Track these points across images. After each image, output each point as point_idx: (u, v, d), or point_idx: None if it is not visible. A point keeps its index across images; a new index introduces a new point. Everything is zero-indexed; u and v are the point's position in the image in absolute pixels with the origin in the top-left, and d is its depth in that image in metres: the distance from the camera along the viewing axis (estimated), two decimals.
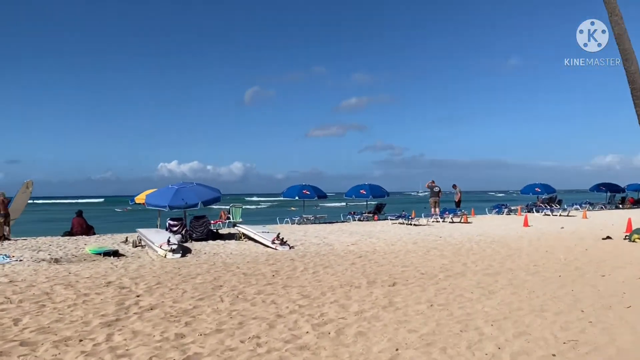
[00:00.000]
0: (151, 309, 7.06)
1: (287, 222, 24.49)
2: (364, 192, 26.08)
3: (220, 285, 8.81)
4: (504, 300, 7.33)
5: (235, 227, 17.96)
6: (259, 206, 70.19)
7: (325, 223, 24.57)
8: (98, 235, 18.35)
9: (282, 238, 14.76)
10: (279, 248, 14.27)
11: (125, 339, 5.53)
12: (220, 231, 19.06)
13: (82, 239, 16.99)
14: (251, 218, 34.88)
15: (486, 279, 9.14)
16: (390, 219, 23.79)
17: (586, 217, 24.58)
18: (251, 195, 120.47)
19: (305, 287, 8.60)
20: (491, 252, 13.09)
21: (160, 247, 13.27)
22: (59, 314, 6.76)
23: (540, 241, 15.35)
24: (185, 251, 13.76)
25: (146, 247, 14.38)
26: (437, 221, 23.71)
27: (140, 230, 15.51)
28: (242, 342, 5.39)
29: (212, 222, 21.69)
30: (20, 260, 12.07)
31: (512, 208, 29.25)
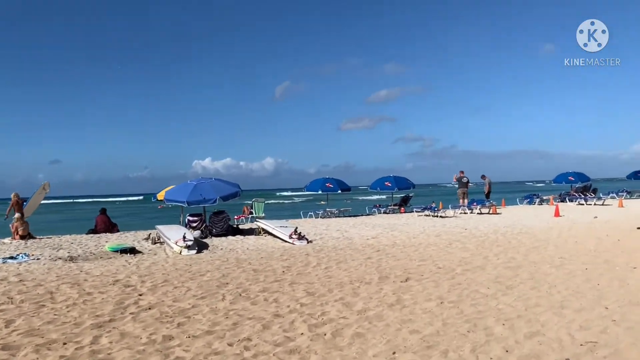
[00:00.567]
0: (149, 309, 6.83)
1: (311, 216, 24.19)
2: (389, 184, 25.54)
3: (227, 283, 8.55)
4: (522, 296, 6.82)
5: (255, 222, 17.73)
6: (290, 201, 70.21)
7: (350, 216, 24.18)
8: (121, 233, 18.39)
9: (300, 232, 14.44)
10: (296, 243, 13.96)
11: (111, 342, 5.29)
12: (242, 226, 18.92)
13: (104, 237, 17.04)
14: (278, 213, 34.81)
15: (506, 273, 8.61)
16: (416, 211, 23.22)
17: (622, 206, 23.49)
18: (284, 190, 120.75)
19: (313, 283, 8.25)
20: (516, 243, 12.49)
21: (176, 243, 13.12)
22: (55, 314, 6.59)
23: (571, 231, 14.62)
24: (201, 247, 13.59)
25: (164, 244, 14.27)
26: (464, 212, 23.03)
27: (159, 227, 15.43)
28: (230, 345, 5.07)
29: (235, 217, 21.71)
30: (38, 259, 12.09)
31: (544, 198, 28.21)
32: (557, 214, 20.01)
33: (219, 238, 15.67)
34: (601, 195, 27.67)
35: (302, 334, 5.39)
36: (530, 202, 28.38)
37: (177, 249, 12.98)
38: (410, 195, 26.86)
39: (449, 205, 24.39)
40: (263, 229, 16.14)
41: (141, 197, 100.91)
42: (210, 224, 16.41)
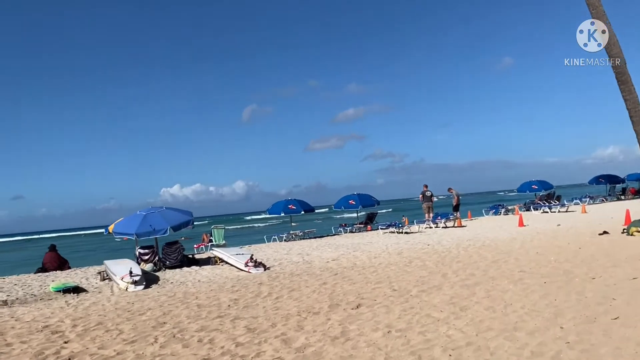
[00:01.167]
0: (69, 359, 6.12)
1: (274, 240, 23.52)
2: (353, 203, 25.09)
3: (164, 322, 7.87)
4: (475, 319, 6.36)
5: (210, 251, 17.00)
6: (262, 224, 69.12)
7: (315, 237, 23.60)
8: (73, 269, 17.39)
9: (255, 260, 13.81)
10: (252, 271, 13.32)
11: None
12: (200, 255, 18.15)
13: (53, 275, 16.05)
14: (247, 238, 34.03)
15: (462, 292, 8.17)
16: (381, 228, 22.82)
17: (585, 212, 23.55)
18: (256, 213, 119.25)
19: (257, 318, 7.65)
20: (477, 258, 12.12)
21: (122, 279, 12.35)
22: None
23: (533, 242, 14.36)
24: (150, 282, 12.83)
25: (112, 281, 13.45)
26: (430, 227, 22.72)
27: (106, 262, 14.57)
28: None
29: (195, 245, 20.90)
30: None
31: (509, 208, 28.21)
32: (520, 224, 19.85)
33: (172, 270, 14.90)
34: (565, 202, 27.79)
35: None
36: (496, 213, 28.32)
37: (123, 285, 12.20)
38: (375, 212, 26.47)
39: (414, 221, 24.06)
40: (219, 258, 15.44)
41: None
42: (164, 256, 15.62)
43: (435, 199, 25.79)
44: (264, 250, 18.45)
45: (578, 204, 28.14)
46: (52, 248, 18.41)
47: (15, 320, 9.13)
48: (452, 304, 7.40)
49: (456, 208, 24.75)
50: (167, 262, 15.47)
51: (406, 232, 21.12)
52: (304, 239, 23.46)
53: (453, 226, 22.55)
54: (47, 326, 8.34)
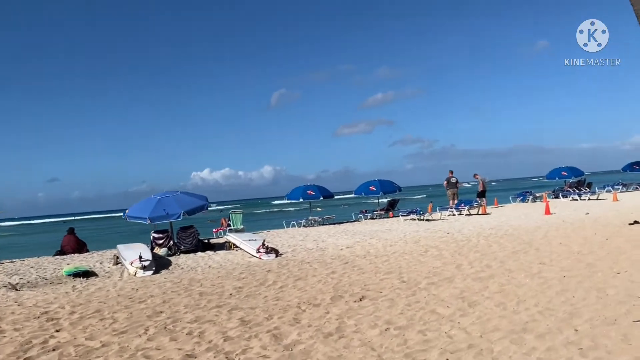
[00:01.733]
0: (53, 350, 5.89)
1: (293, 225, 23.23)
2: (374, 189, 24.54)
3: (161, 312, 7.60)
4: (482, 317, 5.87)
5: (225, 236, 16.77)
6: (290, 208, 68.98)
7: (334, 224, 23.21)
8: (91, 252, 17.41)
9: (267, 246, 13.49)
10: (263, 257, 13.02)
11: None
12: (218, 240, 17.96)
13: (69, 258, 16.08)
14: (268, 222, 33.88)
15: (474, 285, 7.67)
16: (402, 215, 22.27)
17: (617, 200, 22.50)
18: (283, 197, 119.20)
19: (255, 309, 7.30)
20: (497, 248, 11.54)
21: (131, 264, 12.20)
22: None
23: (558, 231, 13.66)
24: (160, 267, 12.66)
25: (123, 265, 13.33)
26: (452, 214, 22.06)
27: (119, 246, 14.49)
28: None
29: (214, 230, 20.76)
30: None
31: (537, 195, 27.24)
32: (547, 212, 19.05)
33: (186, 255, 14.73)
34: (596, 190, 26.68)
35: None
36: (523, 200, 27.42)
37: (132, 270, 12.06)
38: (397, 198, 25.89)
39: (437, 208, 23.42)
40: (233, 243, 15.19)
41: None
42: (178, 240, 15.46)
43: (462, 185, 25.05)
44: (281, 236, 18.16)
45: (610, 191, 26.97)
46: (71, 231, 18.47)
47: (18, 305, 9.01)
48: (462, 298, 6.91)
49: (481, 195, 23.99)
50: (182, 247, 15.30)
51: (427, 220, 20.53)
52: (323, 225, 23.11)
53: (477, 213, 21.86)
54: (45, 312, 8.17)
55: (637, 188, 29.18)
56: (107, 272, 12.64)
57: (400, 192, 25.81)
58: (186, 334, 6.18)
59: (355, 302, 7.22)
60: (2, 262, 15.86)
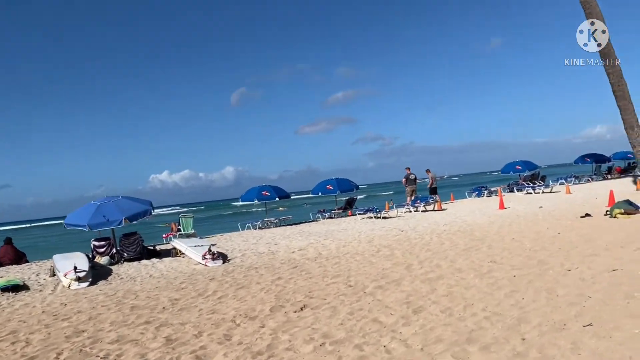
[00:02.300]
0: None
1: (248, 228, 22.53)
2: (331, 188, 24.08)
3: (83, 331, 6.89)
4: (426, 325, 5.43)
5: (171, 242, 15.97)
6: (249, 210, 67.93)
7: (291, 224, 22.64)
8: (30, 263, 16.32)
9: (214, 252, 12.82)
10: (209, 264, 12.35)
11: None
12: (167, 246, 17.13)
13: (4, 271, 14.98)
14: (228, 224, 32.97)
15: (422, 288, 7.25)
16: (359, 214, 21.90)
17: (569, 192, 22.73)
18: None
19: (186, 324, 6.69)
20: (449, 245, 11.23)
21: (65, 275, 11.35)
22: None
23: (511, 226, 13.49)
24: (99, 277, 11.85)
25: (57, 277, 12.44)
26: (409, 211, 21.82)
27: (55, 256, 13.53)
28: None
29: (163, 235, 19.85)
30: None
31: (493, 189, 27.35)
32: (501, 207, 19.00)
33: (130, 263, 13.91)
34: (550, 183, 26.98)
35: None
36: (479, 195, 27.47)
37: (66, 282, 11.23)
38: (355, 197, 25.52)
39: (393, 205, 23.16)
40: (179, 250, 14.45)
41: None
42: (121, 248, 14.60)
43: (420, 181, 24.87)
44: (234, 240, 17.50)
45: (563, 184, 27.32)
46: (8, 241, 17.28)
47: None
48: (407, 303, 6.47)
49: (434, 191, 23.90)
50: (125, 255, 14.46)
51: (384, 217, 20.21)
52: (279, 226, 22.51)
53: (433, 209, 21.68)
54: None
55: (588, 180, 29.72)
56: (40, 285, 11.72)
57: (358, 190, 25.47)
58: (101, 357, 5.52)
59: (295, 312, 6.69)
60: None
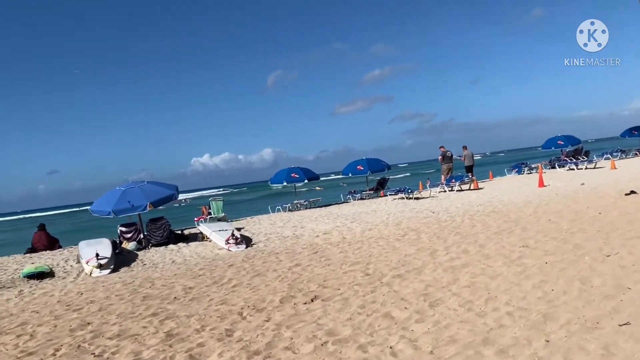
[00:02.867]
0: None
1: (278, 210, 22.28)
2: (361, 168, 23.52)
3: (89, 323, 6.69)
4: (441, 322, 4.92)
5: (198, 226, 15.81)
6: (285, 191, 67.97)
7: (320, 207, 22.25)
8: (62, 249, 16.53)
9: (237, 237, 12.55)
10: (232, 249, 12.11)
11: None
12: (192, 230, 17.04)
13: (37, 256, 15.20)
14: (259, 206, 32.94)
15: (444, 277, 6.72)
16: (390, 194, 21.29)
17: (614, 168, 21.44)
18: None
19: (192, 316, 6.38)
20: (480, 228, 10.59)
21: (87, 263, 11.31)
22: None
23: (549, 205, 12.68)
24: (123, 263, 11.80)
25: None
26: (444, 191, 21.06)
27: (81, 242, 13.57)
28: None
29: (195, 219, 19.77)
30: None
31: (533, 166, 26.18)
32: (540, 184, 18.04)
33: (157, 248, 13.82)
34: (594, 158, 25.61)
35: None
36: (519, 172, 26.35)
37: (87, 269, 11.19)
38: (387, 177, 24.87)
39: (428, 185, 22.43)
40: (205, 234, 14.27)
41: None
42: (149, 233, 14.52)
43: (457, 159, 23.98)
44: (261, 223, 17.25)
45: (608, 159, 25.86)
46: (41, 227, 17.53)
47: None
48: (425, 295, 5.96)
49: (469, 169, 22.99)
50: (153, 240, 14.39)
51: (416, 198, 19.54)
52: (309, 208, 22.16)
53: (469, 189, 20.86)
54: None
55: (636, 154, 28.06)
56: (65, 272, 11.73)
57: (391, 170, 24.81)
58: (96, 355, 5.25)
59: (305, 304, 6.29)
60: None
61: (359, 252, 9.54)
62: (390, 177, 26.63)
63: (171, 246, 13.95)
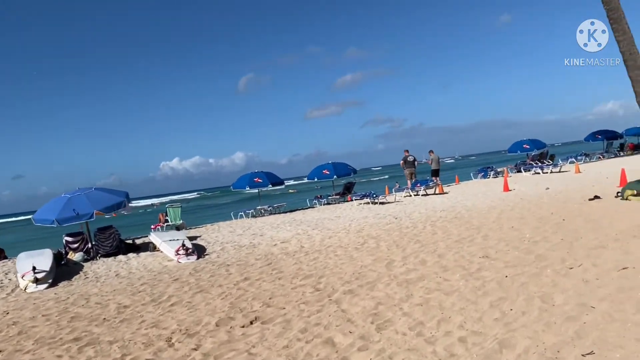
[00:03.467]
0: None
1: (241, 216, 21.55)
2: (327, 172, 22.98)
3: (0, 351, 5.91)
4: (385, 349, 4.35)
5: (149, 235, 14.99)
6: (252, 196, 66.96)
7: (285, 212, 21.61)
8: (6, 260, 15.47)
9: (188, 247, 11.81)
10: (182, 260, 11.38)
11: None
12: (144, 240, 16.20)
13: None
14: (222, 211, 32.02)
15: (397, 293, 6.18)
16: (355, 199, 20.80)
17: (579, 172, 21.41)
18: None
19: (115, 342, 5.69)
20: (441, 235, 10.13)
21: (22, 277, 10.44)
22: None
23: (513, 211, 12.32)
24: (63, 276, 10.97)
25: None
26: (409, 195, 20.67)
27: (21, 254, 12.60)
28: None
29: (152, 226, 18.90)
30: None
31: (499, 170, 26.08)
32: (506, 189, 17.78)
33: (105, 259, 12.97)
34: (559, 162, 25.65)
35: None
36: (485, 176, 26.23)
37: (22, 284, 10.32)
38: (353, 181, 24.40)
39: (392, 189, 22.03)
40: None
41: None
42: (96, 243, 13.65)
43: (421, 163, 23.68)
44: (220, 231, 16.52)
45: (573, 162, 25.95)
46: None
47: None
48: (374, 315, 5.40)
49: (435, 173, 22.72)
50: (101, 250, 13.51)
51: (381, 203, 19.09)
52: (273, 214, 21.49)
53: (434, 193, 20.52)
54: None
55: (599, 158, 28.28)
56: (0, 287, 10.82)
57: (356, 175, 24.35)
58: None
59: (242, 327, 5.65)
60: None
61: (314, 264, 8.95)
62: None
63: (120, 257, 13.12)
